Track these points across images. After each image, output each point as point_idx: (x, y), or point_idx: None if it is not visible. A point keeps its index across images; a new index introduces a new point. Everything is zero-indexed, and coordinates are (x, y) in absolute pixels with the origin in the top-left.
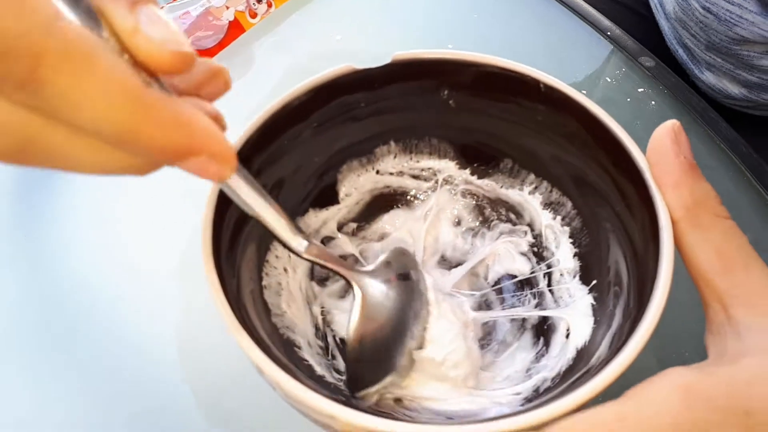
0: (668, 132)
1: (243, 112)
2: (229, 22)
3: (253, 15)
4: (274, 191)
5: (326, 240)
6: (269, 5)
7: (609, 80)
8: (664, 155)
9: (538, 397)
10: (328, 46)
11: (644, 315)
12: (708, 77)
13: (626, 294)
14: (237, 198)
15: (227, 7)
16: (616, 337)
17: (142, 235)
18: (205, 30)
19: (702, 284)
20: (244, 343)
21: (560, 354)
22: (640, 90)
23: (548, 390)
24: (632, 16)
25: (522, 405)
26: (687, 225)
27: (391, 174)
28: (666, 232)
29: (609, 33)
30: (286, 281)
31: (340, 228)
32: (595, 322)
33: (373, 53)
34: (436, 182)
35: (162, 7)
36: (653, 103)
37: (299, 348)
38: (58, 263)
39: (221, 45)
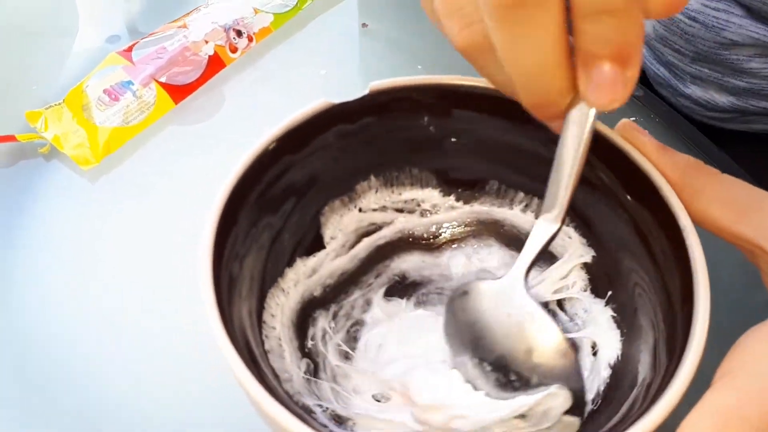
0: (629, 125)
1: (223, 150)
2: (209, 56)
3: (234, 50)
4: (270, 241)
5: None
6: (250, 39)
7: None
8: (636, 146)
9: (587, 424)
10: (312, 80)
11: (692, 324)
12: (694, 90)
13: (651, 301)
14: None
15: (206, 42)
16: (660, 351)
17: (127, 291)
18: (182, 65)
19: (733, 240)
20: (292, 426)
21: (592, 373)
22: (632, 119)
23: (595, 413)
24: None
25: None
26: (688, 194)
27: (374, 210)
28: (689, 233)
29: None
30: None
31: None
32: (623, 334)
33: (358, 87)
34: (421, 213)
35: (135, 43)
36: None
37: (315, 413)
38: (31, 317)
39: (200, 81)
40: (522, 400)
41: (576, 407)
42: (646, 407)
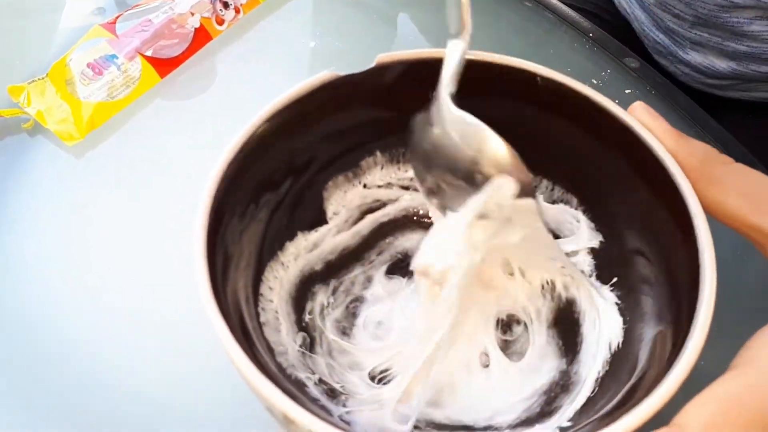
0: (644, 109)
1: (210, 124)
2: (195, 29)
3: (220, 22)
4: (271, 214)
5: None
6: (237, 11)
7: (595, 82)
8: (651, 132)
9: (584, 410)
10: (301, 53)
11: (694, 318)
12: (693, 56)
13: (656, 289)
14: None
15: (192, 14)
16: (662, 340)
17: (115, 267)
18: (168, 38)
19: (746, 230)
20: (276, 399)
21: (594, 359)
22: (627, 91)
23: (592, 399)
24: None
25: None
26: (704, 183)
27: (380, 187)
28: (699, 219)
29: (591, 34)
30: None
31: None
32: (626, 321)
33: (349, 60)
34: None
35: (119, 15)
36: None
37: (308, 387)
38: (16, 292)
39: (186, 54)
40: (473, 200)
41: (526, 191)
42: (641, 397)
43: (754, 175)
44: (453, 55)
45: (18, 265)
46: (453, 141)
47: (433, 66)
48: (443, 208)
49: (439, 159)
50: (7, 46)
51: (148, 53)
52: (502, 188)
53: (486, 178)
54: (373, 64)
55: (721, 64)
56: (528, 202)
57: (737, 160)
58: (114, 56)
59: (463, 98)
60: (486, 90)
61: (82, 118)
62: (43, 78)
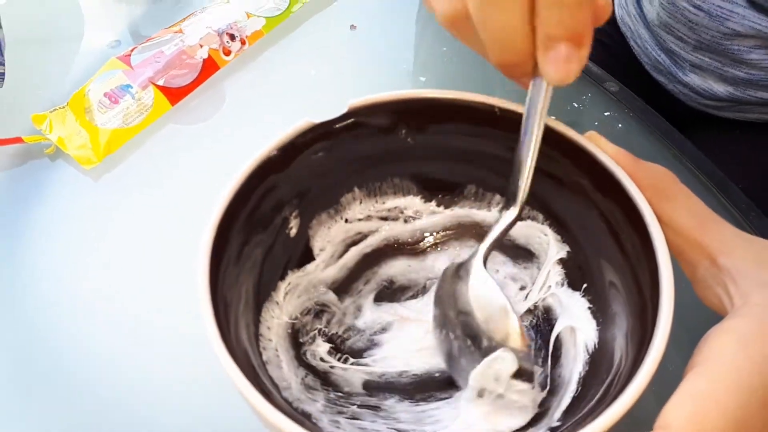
0: (600, 136)
1: (218, 148)
2: (203, 60)
3: (227, 53)
4: (263, 257)
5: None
6: (243, 43)
7: (576, 105)
8: (608, 155)
9: (570, 409)
10: (302, 81)
11: (658, 314)
12: (693, 79)
13: (623, 291)
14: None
15: (201, 46)
16: (632, 338)
17: (130, 283)
18: (179, 69)
19: (687, 247)
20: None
21: (574, 361)
22: (606, 114)
23: (576, 399)
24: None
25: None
26: (658, 200)
27: (360, 220)
28: (654, 228)
29: None
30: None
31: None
32: (599, 324)
33: (347, 86)
34: (405, 220)
35: (134, 48)
36: (620, 126)
37: (317, 419)
38: (37, 308)
39: (196, 83)
40: (473, 373)
41: (525, 373)
42: (614, 396)
43: (697, 199)
44: (502, 223)
45: (40, 278)
46: (473, 302)
47: (400, 107)
48: (447, 355)
49: (456, 312)
50: (29, 76)
51: (160, 83)
52: (504, 362)
53: (491, 346)
54: (345, 110)
55: (719, 88)
56: (525, 386)
57: (709, 179)
58: (129, 86)
59: (435, 128)
60: (455, 121)
61: (100, 143)
62: (63, 107)
